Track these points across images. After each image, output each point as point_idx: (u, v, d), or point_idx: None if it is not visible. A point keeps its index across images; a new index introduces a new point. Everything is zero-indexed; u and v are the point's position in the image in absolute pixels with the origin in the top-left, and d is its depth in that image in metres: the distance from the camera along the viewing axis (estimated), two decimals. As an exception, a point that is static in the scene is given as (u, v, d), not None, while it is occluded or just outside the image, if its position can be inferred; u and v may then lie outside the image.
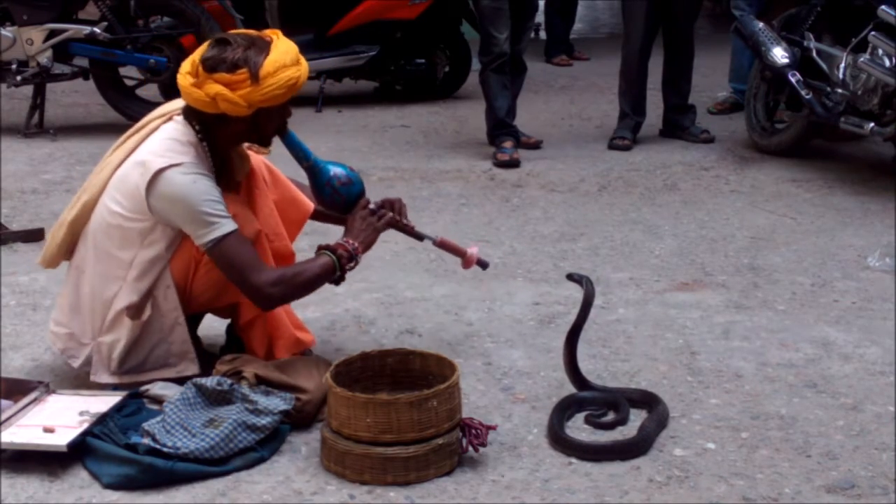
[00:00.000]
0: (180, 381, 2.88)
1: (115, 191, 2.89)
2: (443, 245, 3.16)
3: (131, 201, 2.85)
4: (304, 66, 2.86)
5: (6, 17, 6.29)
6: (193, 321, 3.10)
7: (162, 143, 2.86)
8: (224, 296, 2.99)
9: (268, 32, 2.90)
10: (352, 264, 2.94)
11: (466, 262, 3.20)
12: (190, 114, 2.88)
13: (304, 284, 2.91)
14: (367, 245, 2.99)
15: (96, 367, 2.97)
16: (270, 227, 2.99)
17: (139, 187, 2.81)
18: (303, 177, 3.09)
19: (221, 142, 2.92)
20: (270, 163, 3.15)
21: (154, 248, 2.88)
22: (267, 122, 2.89)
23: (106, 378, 2.95)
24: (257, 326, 3.03)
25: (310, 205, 3.18)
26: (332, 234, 4.41)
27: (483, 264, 3.23)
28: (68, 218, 2.98)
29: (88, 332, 2.97)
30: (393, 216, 3.05)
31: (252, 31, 2.90)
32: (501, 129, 5.90)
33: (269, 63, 2.77)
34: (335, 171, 2.99)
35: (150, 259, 2.88)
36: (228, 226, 2.79)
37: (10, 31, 6.22)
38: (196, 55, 2.82)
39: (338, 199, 3.00)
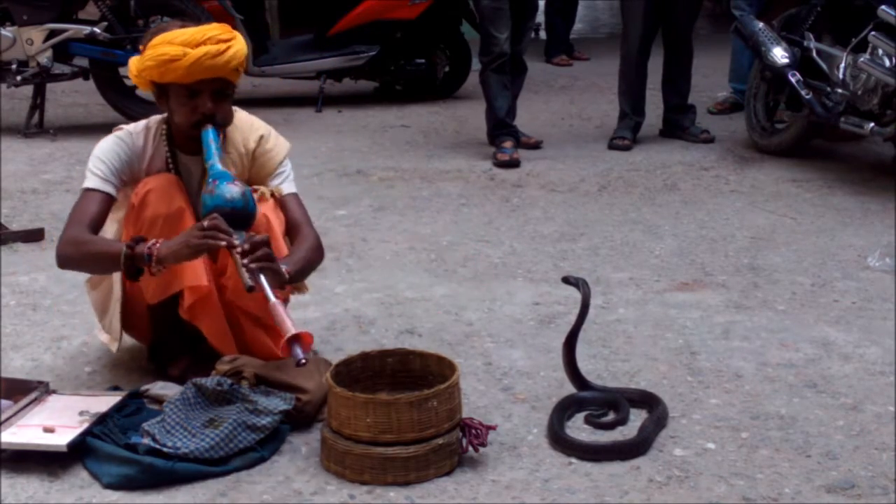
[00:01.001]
0: (181, 381, 2.88)
1: None
2: (273, 311, 2.62)
3: None
4: (195, 52, 2.80)
5: (6, 17, 6.30)
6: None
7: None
8: (169, 282, 2.91)
9: (220, 25, 2.95)
10: (146, 264, 2.73)
11: (282, 347, 2.56)
12: None
13: (88, 256, 2.84)
14: (173, 253, 2.70)
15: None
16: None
17: None
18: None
19: (171, 119, 2.98)
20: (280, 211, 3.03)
21: (117, 213, 3.00)
22: (175, 107, 2.91)
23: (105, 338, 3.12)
24: (207, 310, 2.95)
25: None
26: (332, 233, 4.43)
27: (297, 361, 2.55)
28: None
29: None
30: (216, 244, 2.68)
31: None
32: (501, 129, 5.90)
33: (161, 37, 2.85)
34: (214, 180, 2.76)
35: (116, 228, 3.00)
36: (90, 182, 2.91)
37: (10, 31, 6.23)
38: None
39: (202, 201, 2.78)
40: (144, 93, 6.94)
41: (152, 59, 2.84)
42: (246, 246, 2.66)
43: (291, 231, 3.02)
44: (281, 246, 2.91)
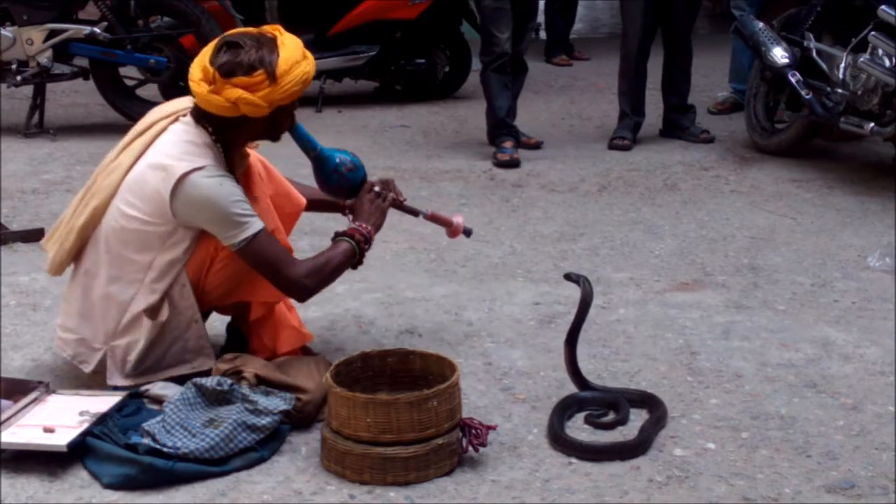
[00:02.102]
0: (181, 380, 2.88)
1: (130, 195, 2.87)
2: (433, 218, 3.33)
3: (151, 205, 2.83)
4: (311, 59, 2.89)
5: (6, 17, 6.29)
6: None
7: (178, 145, 2.85)
8: (233, 293, 3.02)
9: (269, 28, 2.90)
10: (367, 247, 3.04)
11: (452, 231, 3.35)
12: (202, 116, 2.87)
13: (333, 272, 2.98)
14: (378, 227, 3.09)
15: (111, 370, 2.95)
16: (269, 222, 2.99)
17: (161, 192, 2.80)
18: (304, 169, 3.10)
19: (235, 142, 2.94)
20: (263, 157, 3.15)
21: (174, 251, 2.88)
22: (283, 119, 2.92)
23: (120, 381, 2.93)
24: (266, 324, 3.07)
25: (302, 199, 3.21)
26: (332, 233, 4.42)
27: (468, 232, 3.37)
28: (77, 224, 2.94)
29: (101, 337, 2.95)
30: (394, 196, 3.16)
31: (254, 29, 2.89)
32: (502, 128, 5.90)
33: (283, 61, 2.79)
34: (340, 157, 3.09)
35: (169, 261, 2.88)
36: (257, 224, 2.83)
37: (10, 31, 6.22)
38: (205, 61, 2.80)
39: (345, 184, 3.09)
40: (145, 93, 6.93)
41: (297, 83, 2.80)
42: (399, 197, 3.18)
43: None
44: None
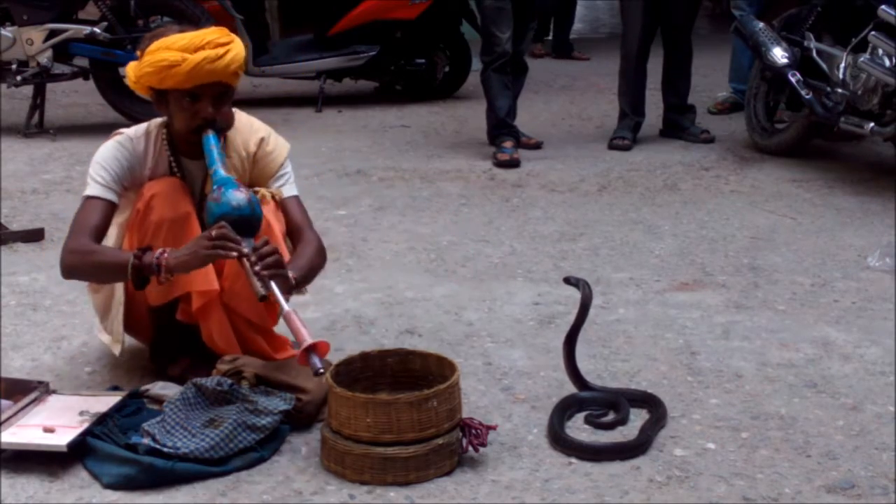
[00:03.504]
0: (181, 381, 2.88)
1: None
2: (287, 319, 2.61)
3: None
4: (194, 58, 2.78)
5: (6, 17, 6.29)
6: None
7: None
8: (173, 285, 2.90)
9: (218, 28, 2.91)
10: (156, 274, 2.73)
11: (299, 356, 2.55)
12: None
13: (94, 266, 2.86)
14: (182, 263, 2.71)
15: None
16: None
17: None
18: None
19: (171, 124, 2.97)
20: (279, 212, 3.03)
21: (118, 218, 2.98)
22: (175, 112, 2.90)
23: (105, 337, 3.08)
24: (213, 313, 2.94)
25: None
26: (332, 233, 4.43)
27: (315, 371, 2.52)
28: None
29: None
30: (221, 253, 2.67)
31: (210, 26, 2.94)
32: (502, 128, 5.90)
33: (159, 43, 2.82)
34: (220, 186, 2.74)
35: (115, 234, 2.98)
36: (92, 190, 2.90)
37: (10, 31, 6.23)
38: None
39: (207, 208, 2.76)
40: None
41: (151, 65, 2.82)
42: (253, 257, 2.64)
43: (293, 234, 3.02)
44: (282, 249, 2.89)
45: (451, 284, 3.94)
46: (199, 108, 2.86)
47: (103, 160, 2.92)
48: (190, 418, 2.64)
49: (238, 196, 2.71)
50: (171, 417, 2.64)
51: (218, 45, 2.82)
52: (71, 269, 2.88)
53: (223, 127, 2.93)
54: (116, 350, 3.04)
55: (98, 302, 3.10)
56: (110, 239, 2.97)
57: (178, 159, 2.99)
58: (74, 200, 3.01)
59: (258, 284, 2.61)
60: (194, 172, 2.99)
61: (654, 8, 5.97)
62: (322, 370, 2.51)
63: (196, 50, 2.79)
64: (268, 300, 2.64)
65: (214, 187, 2.76)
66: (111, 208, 2.92)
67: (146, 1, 6.36)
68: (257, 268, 2.62)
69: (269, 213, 2.92)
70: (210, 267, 2.87)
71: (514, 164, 5.69)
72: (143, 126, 3.01)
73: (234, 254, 2.66)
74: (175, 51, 2.79)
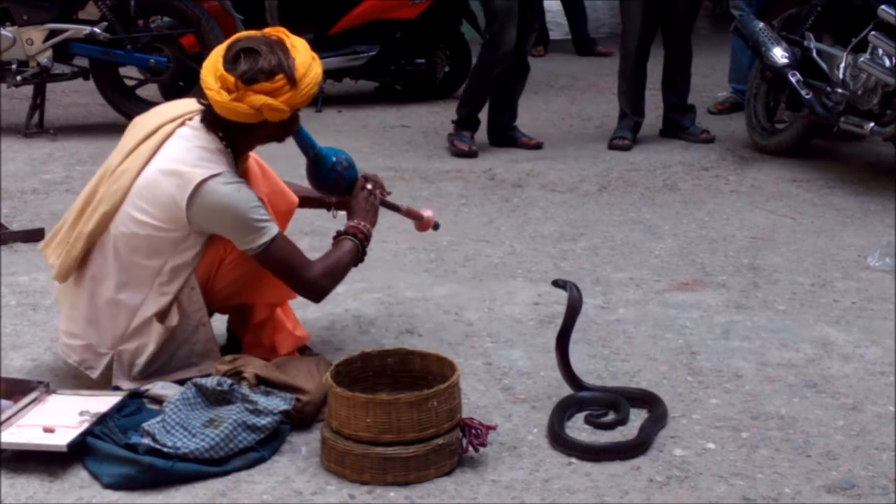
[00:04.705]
0: (181, 381, 2.88)
1: (142, 200, 2.85)
2: (409, 213, 3.41)
3: (164, 212, 2.82)
4: (318, 59, 2.91)
5: (6, 17, 6.29)
6: None
7: (191, 151, 2.84)
8: (239, 295, 3.03)
9: (273, 31, 2.88)
10: (367, 244, 3.07)
11: (423, 224, 3.44)
12: (213, 122, 2.85)
13: (344, 270, 3.03)
14: (373, 223, 3.12)
15: (117, 374, 2.95)
16: None
17: (176, 198, 2.79)
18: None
19: (247, 145, 2.95)
20: (258, 157, 3.15)
21: (185, 255, 2.88)
22: (294, 121, 2.94)
23: (127, 385, 2.93)
24: (267, 325, 3.08)
25: (295, 197, 3.20)
26: (332, 233, 4.42)
27: (436, 226, 3.47)
28: (86, 230, 2.91)
29: (108, 342, 2.95)
30: (381, 194, 3.21)
31: (258, 33, 2.88)
32: (472, 121, 6.00)
33: (300, 64, 2.80)
34: (337, 156, 3.12)
35: (179, 265, 2.88)
36: (274, 229, 2.85)
37: (10, 31, 6.22)
38: (219, 69, 2.76)
39: (342, 182, 3.12)
40: (145, 93, 6.93)
41: (314, 84, 2.83)
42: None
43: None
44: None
45: (451, 284, 3.94)
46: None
47: (254, 201, 2.83)
48: (190, 418, 2.64)
49: (349, 157, 3.17)
50: (171, 417, 2.64)
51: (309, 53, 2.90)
52: (330, 290, 3.02)
53: None
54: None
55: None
56: (182, 258, 2.91)
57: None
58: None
59: (399, 204, 3.35)
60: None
61: (654, 8, 5.97)
62: (440, 225, 3.47)
63: (314, 55, 2.89)
64: (401, 210, 3.34)
65: (338, 157, 3.12)
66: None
67: (146, 1, 6.36)
68: (386, 194, 3.24)
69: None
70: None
71: (471, 154, 5.83)
72: (217, 157, 2.85)
73: (385, 194, 3.23)
74: (314, 62, 2.86)
